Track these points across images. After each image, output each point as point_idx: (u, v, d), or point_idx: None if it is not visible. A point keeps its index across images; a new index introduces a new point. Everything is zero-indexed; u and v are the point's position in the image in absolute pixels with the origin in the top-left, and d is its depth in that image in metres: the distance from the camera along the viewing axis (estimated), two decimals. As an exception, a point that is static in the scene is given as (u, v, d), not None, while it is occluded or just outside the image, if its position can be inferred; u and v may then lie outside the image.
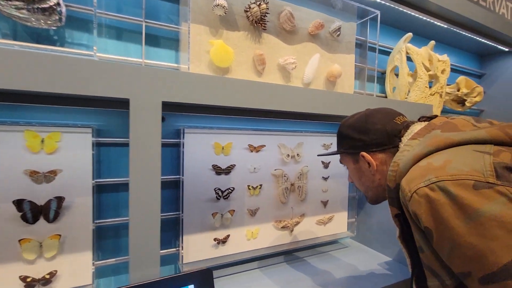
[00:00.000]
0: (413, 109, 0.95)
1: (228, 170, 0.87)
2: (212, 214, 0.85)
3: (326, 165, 1.07)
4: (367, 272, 0.93)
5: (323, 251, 1.07)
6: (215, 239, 0.86)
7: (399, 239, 0.52)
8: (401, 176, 0.46)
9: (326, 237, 1.08)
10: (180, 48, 0.84)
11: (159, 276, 0.58)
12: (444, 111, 1.54)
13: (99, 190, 0.76)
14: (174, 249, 0.84)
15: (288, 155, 0.98)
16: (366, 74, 1.18)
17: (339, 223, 1.12)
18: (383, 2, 1.08)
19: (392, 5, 1.11)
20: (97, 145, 0.75)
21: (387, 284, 0.85)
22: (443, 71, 1.20)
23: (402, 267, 0.96)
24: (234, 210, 0.88)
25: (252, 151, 0.91)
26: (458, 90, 1.39)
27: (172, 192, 0.84)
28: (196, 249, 0.84)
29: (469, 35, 1.36)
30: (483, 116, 1.70)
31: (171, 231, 0.85)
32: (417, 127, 0.54)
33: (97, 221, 0.74)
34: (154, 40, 0.82)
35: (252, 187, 0.92)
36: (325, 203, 1.08)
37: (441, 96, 1.20)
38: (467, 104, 1.36)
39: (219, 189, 0.86)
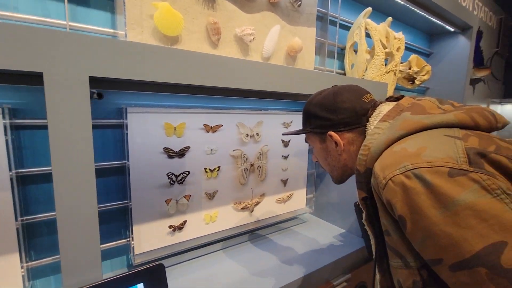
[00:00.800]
0: (370, 87, 0.95)
1: (182, 153, 0.80)
2: (165, 201, 0.79)
3: (286, 144, 1.06)
4: (325, 244, 0.97)
5: (283, 228, 1.09)
6: (170, 226, 0.81)
7: (365, 222, 0.52)
8: (373, 160, 0.45)
9: (286, 215, 1.10)
10: (116, 10, 0.70)
11: (101, 274, 0.51)
12: (396, 89, 1.62)
13: (24, 181, 0.64)
14: (124, 240, 0.77)
15: (247, 134, 0.93)
16: (326, 50, 1.15)
17: (298, 200, 1.14)
18: (345, -28, 1.03)
19: (353, -24, 1.07)
20: (16, 128, 0.62)
21: (343, 254, 0.90)
22: (398, 49, 1.22)
23: (356, 238, 1.02)
24: (190, 195, 0.83)
25: (208, 132, 0.84)
26: (410, 68, 1.45)
27: (118, 179, 0.75)
28: (150, 238, 0.78)
29: (422, 13, 1.39)
30: (428, 94, 1.83)
31: (121, 222, 0.77)
32: (385, 107, 0.52)
33: (25, 217, 0.63)
34: (82, -3, 0.67)
35: (209, 169, 0.86)
36: (285, 182, 1.08)
37: (395, 74, 1.24)
38: (416, 82, 1.44)
39: (173, 173, 0.79)
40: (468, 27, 1.65)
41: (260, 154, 0.98)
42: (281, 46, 0.96)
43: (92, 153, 0.49)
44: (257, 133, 0.96)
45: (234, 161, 0.92)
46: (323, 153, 0.62)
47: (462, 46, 1.72)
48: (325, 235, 1.05)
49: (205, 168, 0.86)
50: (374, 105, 0.55)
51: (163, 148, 0.76)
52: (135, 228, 0.74)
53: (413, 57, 1.43)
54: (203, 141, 0.84)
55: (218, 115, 0.86)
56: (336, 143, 0.56)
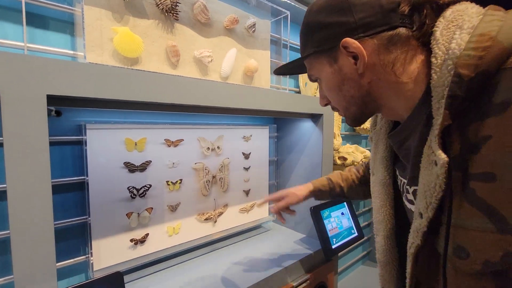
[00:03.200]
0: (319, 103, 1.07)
1: (143, 167, 0.83)
2: (126, 214, 0.80)
3: (247, 156, 1.13)
4: (286, 249, 1.03)
5: (247, 237, 1.14)
6: (132, 240, 0.82)
7: (443, 167, 0.33)
8: (500, 58, 0.30)
9: (249, 224, 1.15)
10: (76, 33, 0.74)
11: (58, 289, 0.52)
12: (348, 104, 1.79)
13: (-27, 201, 0.63)
14: (83, 257, 0.76)
15: (209, 148, 0.99)
16: (281, 70, 1.27)
17: (261, 209, 1.20)
18: (292, 3, 1.17)
19: (300, 7, 1.22)
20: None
21: (302, 256, 0.97)
22: (344, 69, 1.38)
23: (314, 241, 1.09)
24: (152, 208, 0.85)
25: (169, 146, 0.89)
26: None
27: (77, 195, 0.76)
28: (110, 253, 0.78)
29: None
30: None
31: (79, 238, 0.76)
32: (460, 7, 0.36)
33: (-27, 238, 0.62)
34: (41, 21, 0.70)
35: (172, 182, 0.90)
36: (247, 192, 1.14)
37: (343, 91, 1.39)
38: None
39: (134, 187, 0.81)
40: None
41: (222, 167, 1.04)
42: (238, 67, 1.05)
43: (48, 169, 0.51)
44: (218, 147, 1.02)
45: (196, 174, 0.96)
46: (336, 80, 0.45)
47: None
48: (287, 241, 1.11)
49: (167, 181, 0.89)
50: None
51: (124, 163, 0.79)
52: (95, 243, 0.75)
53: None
54: (165, 155, 0.88)
55: (179, 130, 0.91)
56: (354, 56, 0.41)
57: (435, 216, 0.35)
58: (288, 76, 1.26)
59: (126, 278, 0.82)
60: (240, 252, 1.00)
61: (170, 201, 0.90)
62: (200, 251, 0.99)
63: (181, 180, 0.92)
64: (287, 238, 1.13)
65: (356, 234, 1.14)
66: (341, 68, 0.43)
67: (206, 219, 1.00)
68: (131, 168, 0.80)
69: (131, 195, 0.81)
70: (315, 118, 1.12)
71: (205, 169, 0.99)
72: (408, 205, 0.47)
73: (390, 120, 0.52)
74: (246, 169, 1.13)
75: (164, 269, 0.88)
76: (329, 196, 0.83)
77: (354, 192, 0.80)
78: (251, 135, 1.13)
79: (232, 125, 1.07)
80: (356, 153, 1.46)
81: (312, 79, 0.51)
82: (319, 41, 0.43)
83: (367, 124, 1.76)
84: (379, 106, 0.45)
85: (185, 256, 0.95)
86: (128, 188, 0.80)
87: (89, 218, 0.73)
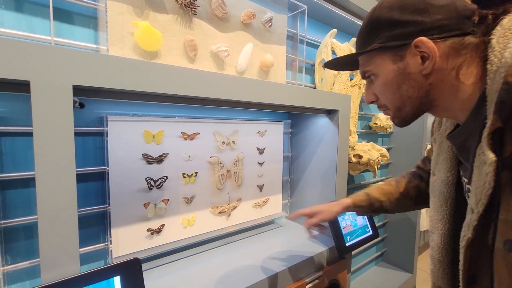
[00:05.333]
0: (335, 99, 1.06)
1: (160, 159, 0.85)
2: (144, 205, 0.82)
3: (261, 151, 1.13)
4: (298, 245, 1.03)
5: (260, 232, 1.14)
6: (148, 230, 0.84)
7: (493, 165, 0.35)
8: None
9: (262, 219, 1.15)
10: (99, 27, 0.77)
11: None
12: (364, 101, 1.75)
13: (2, 186, 0.66)
14: (102, 244, 0.79)
15: (224, 142, 1.00)
16: (297, 65, 1.26)
17: (274, 205, 1.20)
18: (310, -3, 1.16)
19: (319, 2, 1.20)
20: (-3, 135, 0.65)
21: (315, 253, 0.96)
22: (361, 65, 1.36)
23: (328, 239, 1.08)
24: (168, 199, 0.87)
25: (186, 139, 0.90)
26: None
27: (97, 184, 0.78)
28: (128, 242, 0.80)
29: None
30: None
31: (99, 226, 0.79)
32: None
33: (3, 221, 0.65)
34: (67, 16, 0.73)
35: (187, 175, 0.91)
36: (261, 187, 1.14)
37: (359, 88, 1.36)
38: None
39: (151, 178, 0.83)
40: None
41: (236, 161, 1.04)
42: (254, 62, 1.05)
43: (73, 158, 0.53)
44: (233, 141, 1.02)
45: (211, 167, 0.98)
46: (397, 79, 0.45)
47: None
48: (300, 237, 1.11)
49: (183, 174, 0.90)
50: (486, 15, 0.39)
51: (142, 154, 0.81)
52: (114, 232, 0.77)
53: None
54: (181, 148, 0.90)
55: (195, 124, 0.92)
56: (424, 56, 0.41)
57: (485, 211, 0.38)
58: (304, 72, 1.25)
59: (142, 266, 0.84)
60: (253, 246, 1.01)
61: (186, 193, 0.92)
62: (213, 243, 1.01)
63: (196, 173, 0.93)
64: (300, 235, 1.13)
65: (371, 233, 1.12)
66: (406, 67, 0.44)
67: (220, 213, 1.01)
68: (149, 159, 0.82)
69: (148, 186, 0.83)
70: (331, 114, 1.10)
71: (220, 163, 0.99)
72: None
73: (453, 122, 0.54)
74: (260, 164, 1.13)
75: (178, 259, 0.90)
76: (368, 211, 0.80)
77: (396, 207, 0.78)
78: (265, 130, 1.13)
79: (247, 120, 1.07)
80: (372, 151, 1.43)
81: (365, 75, 0.51)
82: (388, 37, 0.43)
83: (384, 122, 1.72)
84: (432, 107, 0.47)
85: (199, 248, 0.97)
86: (146, 179, 0.82)
87: (109, 207, 0.76)
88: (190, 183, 0.92)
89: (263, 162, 1.14)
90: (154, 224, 0.85)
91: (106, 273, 0.53)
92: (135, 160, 0.80)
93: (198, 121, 0.93)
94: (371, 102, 0.53)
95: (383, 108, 0.52)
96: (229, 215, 1.04)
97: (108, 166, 0.75)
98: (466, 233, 0.41)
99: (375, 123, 1.73)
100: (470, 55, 0.40)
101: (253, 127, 1.09)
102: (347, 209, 0.80)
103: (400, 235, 1.91)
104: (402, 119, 0.49)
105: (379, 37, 0.44)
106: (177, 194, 0.90)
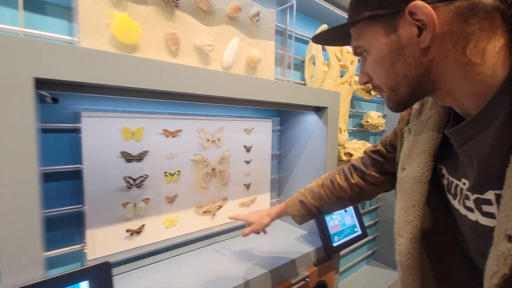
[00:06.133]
0: (324, 96, 1.03)
1: (140, 157, 0.81)
2: (122, 204, 0.79)
3: (248, 149, 1.10)
4: (285, 245, 1.00)
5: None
6: (128, 230, 0.81)
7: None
8: None
9: (249, 218, 1.12)
10: (74, 19, 0.73)
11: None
12: (356, 99, 1.74)
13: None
14: (78, 245, 0.75)
15: (208, 139, 0.97)
16: (286, 61, 1.23)
17: (262, 204, 1.18)
18: (299, -9, 1.13)
19: (308, -4, 1.17)
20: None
21: (302, 253, 0.94)
22: (352, 62, 1.33)
23: (315, 238, 1.06)
24: (148, 199, 0.84)
25: (168, 136, 0.87)
26: (366, 80, 1.57)
27: (73, 183, 0.75)
28: (106, 243, 0.77)
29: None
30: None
31: (75, 227, 0.76)
32: None
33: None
34: (39, 6, 0.69)
35: (170, 173, 0.88)
36: (248, 186, 1.11)
37: (350, 85, 1.34)
38: (372, 92, 1.56)
39: (130, 177, 0.80)
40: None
41: (222, 159, 1.01)
42: (241, 57, 1.02)
43: (35, 156, 0.49)
44: (218, 139, 0.99)
45: (195, 166, 0.95)
46: (389, 54, 0.38)
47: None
48: (287, 237, 1.08)
49: (165, 172, 0.87)
50: None
51: (121, 152, 0.78)
52: (89, 233, 0.74)
53: (369, 70, 1.55)
54: (163, 146, 0.86)
55: (178, 121, 0.89)
56: (420, 26, 0.34)
57: None
58: (292, 68, 1.22)
59: (121, 268, 0.81)
60: (239, 247, 0.98)
61: (168, 192, 0.89)
62: (197, 244, 0.98)
63: (179, 171, 0.90)
64: (288, 235, 1.10)
65: (360, 232, 1.10)
66: (400, 39, 0.36)
67: (204, 212, 0.98)
68: (127, 157, 0.79)
69: (127, 185, 0.79)
70: (320, 111, 1.08)
71: (205, 161, 0.96)
72: (464, 211, 0.41)
73: (442, 110, 0.46)
74: (247, 162, 1.10)
75: (160, 261, 0.87)
76: (305, 220, 0.80)
77: (332, 209, 0.77)
78: (253, 128, 1.10)
79: (233, 117, 1.04)
80: (363, 149, 1.41)
81: (357, 51, 0.44)
82: (378, 4, 0.36)
83: (376, 120, 1.70)
84: (435, 89, 0.38)
85: (182, 249, 0.94)
86: (124, 177, 0.79)
87: (84, 207, 0.72)
88: (173, 181, 0.89)
89: (250, 160, 1.11)
90: (134, 225, 0.82)
91: (73, 278, 0.50)
92: (113, 158, 0.77)
93: (181, 117, 0.90)
94: (365, 83, 0.46)
95: (377, 89, 0.45)
96: (214, 214, 1.01)
97: (82, 164, 0.72)
98: (500, 268, 0.31)
99: (367, 121, 1.71)
100: (487, 23, 0.31)
101: (240, 125, 1.06)
102: (278, 217, 0.84)
103: (392, 233, 1.90)
104: (398, 103, 0.41)
105: (370, 5, 0.37)
106: (158, 193, 0.86)
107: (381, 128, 1.77)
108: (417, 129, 0.51)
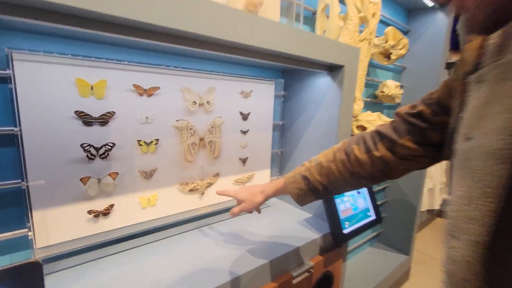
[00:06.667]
0: (340, 51, 0.83)
1: (103, 120, 0.63)
2: (81, 180, 0.62)
3: (245, 117, 0.91)
4: (287, 231, 0.85)
5: (241, 214, 0.96)
6: (90, 212, 0.64)
7: None
8: None
9: (245, 198, 0.97)
10: None
11: None
12: (371, 65, 1.52)
13: None
14: (23, 230, 0.59)
15: (195, 102, 0.77)
16: (294, 11, 1.00)
17: (260, 181, 1.01)
18: None
19: None
20: None
21: (306, 241, 0.79)
22: (373, 15, 1.10)
23: (322, 222, 0.91)
24: (117, 173, 0.67)
25: (141, 95, 0.68)
26: (386, 42, 1.34)
27: (7, 152, 0.57)
28: (60, 227, 0.61)
29: (401, -19, 1.28)
30: (405, 74, 1.75)
31: (17, 207, 0.59)
32: None
33: None
34: None
35: (145, 142, 0.70)
36: (244, 161, 0.94)
37: (369, 43, 1.12)
38: (392, 57, 1.33)
39: (91, 145, 0.62)
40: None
41: (212, 127, 0.83)
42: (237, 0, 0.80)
43: None
44: (207, 102, 0.80)
45: (179, 134, 0.76)
46: None
47: (440, 25, 1.64)
48: (289, 221, 0.93)
49: (139, 141, 0.69)
50: None
51: (76, 112, 0.59)
52: (37, 215, 0.58)
53: (390, 29, 1.32)
54: (135, 107, 0.67)
55: (154, 75, 0.69)
56: None
57: None
58: (301, 20, 1.00)
59: (86, 256, 0.66)
60: (231, 232, 0.83)
61: (144, 165, 0.71)
62: (181, 227, 0.82)
63: (157, 140, 0.72)
64: (290, 218, 0.95)
65: (374, 217, 0.95)
66: None
67: (191, 190, 0.81)
68: (86, 119, 0.61)
69: (87, 155, 0.62)
70: (334, 71, 0.87)
71: (190, 129, 0.78)
72: None
73: None
74: (244, 132, 0.92)
75: (135, 247, 0.72)
76: (313, 199, 0.63)
77: (343, 189, 0.60)
78: (251, 91, 0.91)
79: (227, 76, 0.84)
80: (378, 122, 1.23)
81: None
82: None
83: (393, 91, 1.50)
84: None
85: (162, 233, 0.79)
86: (82, 146, 0.61)
87: (26, 183, 0.55)
88: (149, 152, 0.72)
89: (248, 130, 0.93)
90: (99, 205, 0.66)
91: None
92: (66, 120, 0.58)
93: (158, 71, 0.70)
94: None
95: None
96: (203, 193, 0.85)
97: (20, 126, 0.53)
98: None
99: (382, 92, 1.50)
100: None
101: (235, 86, 0.87)
102: (274, 196, 0.68)
103: (399, 215, 1.77)
104: (485, 15, 0.30)
105: None
106: (131, 166, 0.69)
107: (397, 101, 1.57)
108: (497, 75, 0.32)
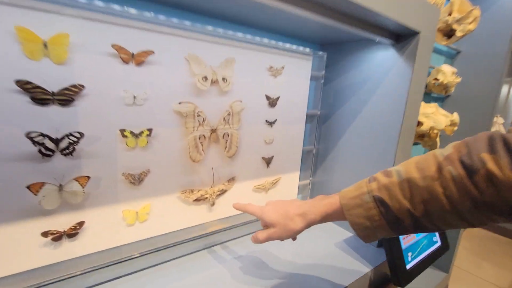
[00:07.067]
0: (419, 8, 0.57)
1: (66, 97, 0.41)
2: (29, 187, 0.41)
3: (273, 102, 0.68)
4: (322, 258, 0.63)
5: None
6: (46, 234, 0.44)
7: None
8: None
9: (267, 209, 0.74)
10: None
11: None
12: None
13: None
14: None
15: (206, 77, 0.54)
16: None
17: (287, 187, 0.78)
18: None
19: None
20: None
21: (355, 275, 0.56)
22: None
23: (371, 248, 0.68)
24: (88, 177, 0.45)
25: (127, 62, 0.45)
26: (450, 15, 1.05)
27: None
28: (1, 256, 0.41)
29: None
30: (459, 59, 1.44)
31: None
32: None
33: None
34: None
35: (132, 133, 0.48)
36: (268, 161, 0.71)
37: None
38: (457, 33, 1.05)
39: (45, 135, 0.41)
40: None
41: (229, 115, 0.60)
42: None
43: None
44: (223, 78, 0.57)
45: (182, 122, 0.54)
46: None
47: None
48: (325, 242, 0.70)
49: (123, 131, 0.47)
50: None
51: (18, 83, 0.37)
52: (-42, 239, 0.37)
53: (457, -3, 1.03)
54: (117, 80, 0.45)
55: (147, 34, 0.46)
56: None
57: None
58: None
59: (43, 294, 0.46)
60: (250, 255, 0.61)
61: (130, 166, 0.50)
62: (184, 247, 0.61)
63: (150, 130, 0.50)
64: (326, 238, 0.72)
65: (439, 243, 0.70)
66: None
67: (197, 200, 0.60)
68: (37, 94, 0.39)
69: (39, 150, 0.41)
70: (403, 40, 0.62)
71: (198, 116, 0.56)
72: None
73: None
74: (270, 123, 0.69)
75: (118, 278, 0.52)
76: (390, 234, 0.39)
77: (449, 224, 0.35)
78: (283, 67, 0.67)
79: (252, 44, 0.60)
80: (438, 116, 0.96)
81: None
82: None
83: (449, 78, 1.21)
84: None
85: (157, 256, 0.58)
86: (30, 135, 0.39)
87: None
88: (138, 148, 0.50)
89: (275, 120, 0.69)
90: (61, 223, 0.45)
91: None
92: (1, 93, 0.37)
93: (153, 27, 0.47)
94: None
95: None
96: (213, 204, 0.63)
97: None
98: None
99: (436, 79, 1.22)
100: None
101: (263, 58, 0.63)
102: (321, 222, 0.45)
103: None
104: None
105: None
106: (110, 167, 0.48)
107: (451, 91, 1.28)
108: None
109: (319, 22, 0.50)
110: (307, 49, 0.69)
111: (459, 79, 1.24)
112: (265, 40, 0.61)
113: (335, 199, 0.43)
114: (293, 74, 0.69)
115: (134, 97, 0.47)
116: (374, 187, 0.38)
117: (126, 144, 0.48)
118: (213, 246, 0.65)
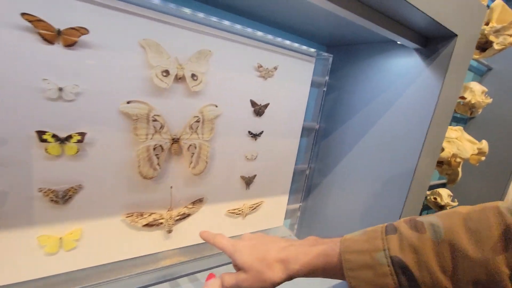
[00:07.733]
0: (458, 6, 0.43)
1: None
2: None
3: (259, 110, 0.54)
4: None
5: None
6: None
7: None
8: None
9: (244, 237, 0.61)
10: None
11: None
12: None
13: None
14: None
15: (167, 71, 0.42)
16: None
17: (271, 213, 0.65)
18: None
19: None
20: None
21: None
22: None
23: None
24: (-17, 193, 0.34)
25: (51, 42, 0.33)
26: (487, 24, 0.90)
27: None
28: None
29: None
30: (491, 76, 1.27)
31: None
32: None
33: None
34: None
35: (55, 136, 0.36)
36: (248, 181, 0.58)
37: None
38: (495, 46, 0.89)
39: None
40: None
41: (198, 121, 0.47)
42: None
43: None
44: (193, 75, 0.44)
45: (131, 127, 0.42)
46: None
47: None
48: (314, 282, 0.56)
49: (42, 133, 0.35)
50: None
51: None
52: None
53: (498, 3, 0.87)
54: (35, 64, 0.33)
55: (82, 5, 0.34)
56: None
57: None
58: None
59: None
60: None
61: (50, 179, 0.38)
62: (128, 283, 0.48)
63: (82, 135, 0.38)
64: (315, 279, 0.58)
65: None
66: None
67: (148, 226, 0.47)
68: None
69: None
70: (434, 44, 0.48)
71: (154, 120, 0.43)
72: None
73: None
74: (254, 135, 0.56)
75: (29, 321, 0.40)
76: None
77: None
78: (275, 68, 0.53)
79: (238, 33, 0.47)
80: (464, 143, 0.81)
81: None
82: None
83: (478, 98, 1.05)
84: None
85: (90, 294, 0.45)
86: None
87: None
88: (65, 156, 0.38)
89: (261, 132, 0.56)
90: None
91: None
92: None
93: (92, -3, 0.35)
94: None
95: None
96: (170, 231, 0.50)
97: None
98: None
99: (463, 97, 1.06)
100: None
101: (250, 53, 0.50)
102: (308, 276, 0.31)
103: None
104: None
105: None
106: (22, 179, 0.36)
107: (477, 112, 1.12)
108: None
109: (328, 12, 0.37)
110: (311, 49, 0.56)
111: (489, 100, 1.07)
112: (259, 33, 0.48)
113: (333, 248, 0.29)
114: (288, 77, 0.56)
115: (60, 89, 0.35)
116: (395, 244, 0.25)
117: (46, 151, 0.36)
118: (177, 278, 0.52)
